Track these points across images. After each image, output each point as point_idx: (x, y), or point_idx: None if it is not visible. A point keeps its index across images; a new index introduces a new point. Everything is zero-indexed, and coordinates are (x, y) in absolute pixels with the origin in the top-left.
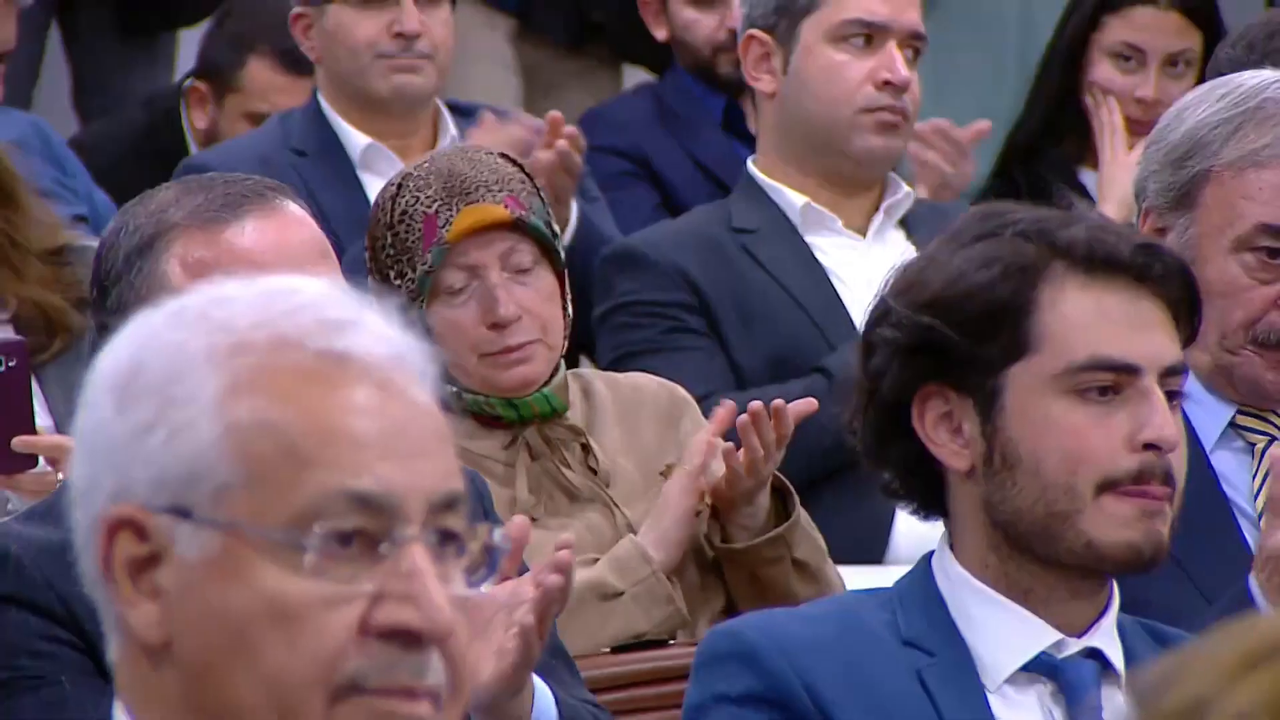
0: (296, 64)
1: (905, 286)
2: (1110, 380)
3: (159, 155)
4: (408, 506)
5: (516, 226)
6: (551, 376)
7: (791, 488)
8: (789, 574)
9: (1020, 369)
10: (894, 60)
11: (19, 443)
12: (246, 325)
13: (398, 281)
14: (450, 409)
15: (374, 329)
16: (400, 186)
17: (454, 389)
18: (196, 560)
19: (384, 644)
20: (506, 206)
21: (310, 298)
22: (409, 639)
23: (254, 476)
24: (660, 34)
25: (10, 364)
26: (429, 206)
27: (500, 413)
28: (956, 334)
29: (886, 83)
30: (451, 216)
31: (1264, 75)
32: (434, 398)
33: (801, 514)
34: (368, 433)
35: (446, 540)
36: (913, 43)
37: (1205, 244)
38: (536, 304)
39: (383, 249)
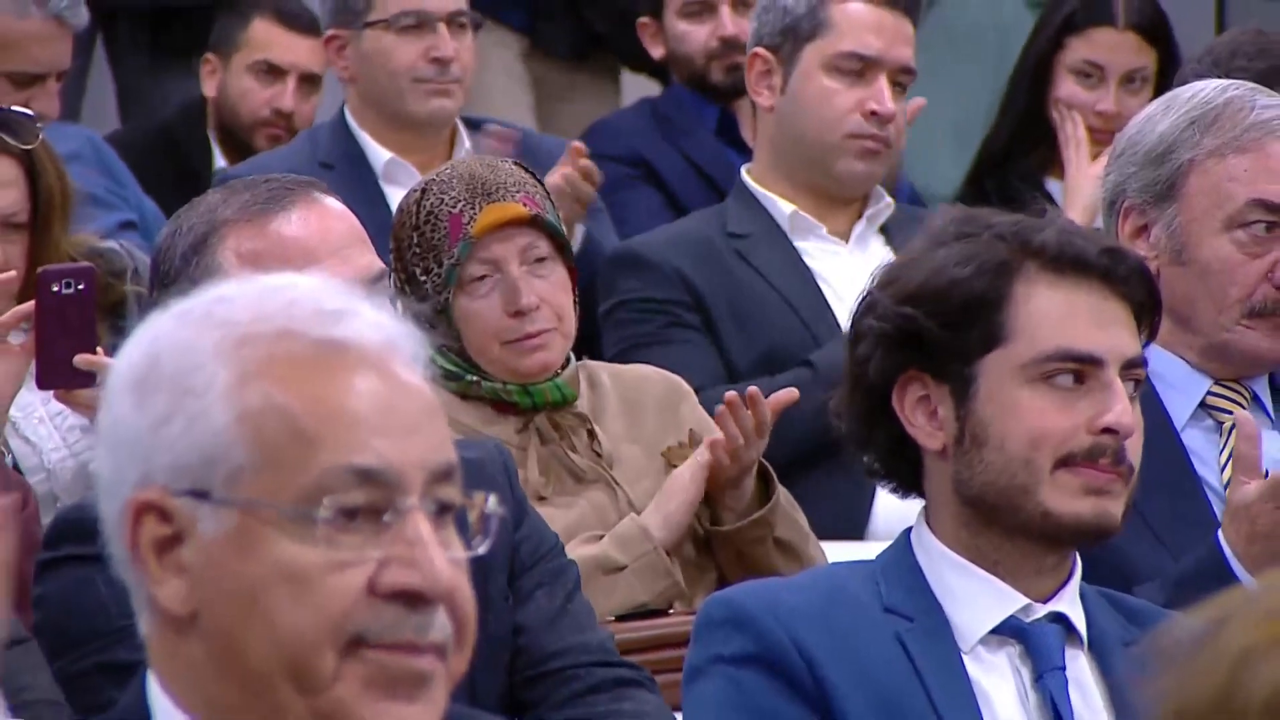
0: (295, 19)
1: (890, 280)
2: (1075, 369)
3: (178, 156)
4: (407, 478)
5: (534, 223)
6: (563, 367)
7: (773, 472)
8: (771, 552)
9: (993, 358)
10: (882, 93)
11: (80, 360)
12: (250, 319)
13: (424, 277)
14: (467, 396)
15: (368, 317)
16: (424, 191)
17: (474, 378)
18: (216, 537)
19: (390, 604)
20: (524, 205)
21: (306, 291)
22: (413, 599)
23: (265, 457)
24: (657, 53)
25: (79, 288)
26: (454, 206)
27: (516, 399)
28: (936, 324)
29: (873, 113)
30: (475, 214)
31: (1220, 81)
32: (424, 379)
33: (782, 496)
34: (367, 413)
35: (444, 510)
36: (902, 77)
37: (1194, 228)
38: (552, 295)
39: (409, 248)
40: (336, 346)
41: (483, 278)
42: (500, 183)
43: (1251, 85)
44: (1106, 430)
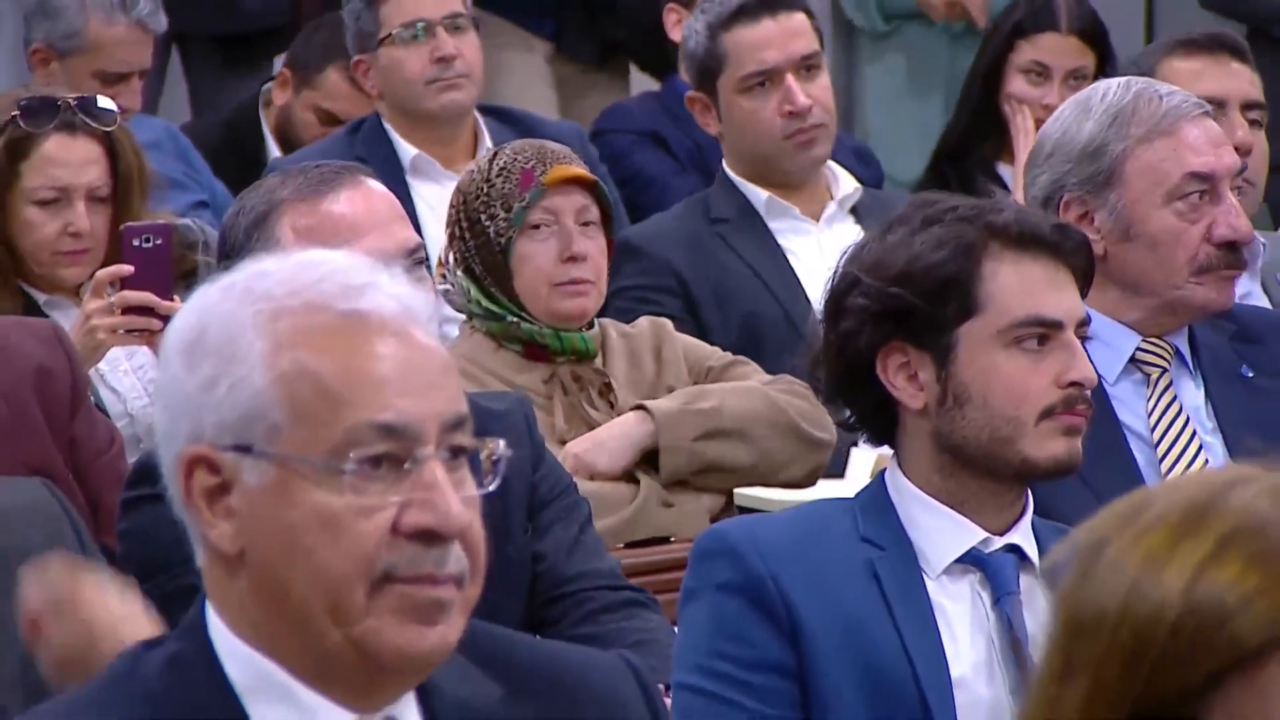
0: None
1: (872, 264)
2: (1040, 333)
3: (240, 145)
4: (424, 431)
5: (593, 187)
6: (589, 327)
7: None
8: None
9: (969, 327)
10: (791, 92)
11: (161, 308)
12: (283, 294)
13: (489, 222)
14: (501, 342)
15: (387, 289)
16: (498, 153)
17: (514, 319)
18: (258, 486)
19: (411, 542)
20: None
21: (333, 267)
22: (431, 537)
23: (298, 416)
24: (679, 36)
25: (157, 242)
26: (526, 163)
27: (548, 342)
28: (919, 301)
29: (790, 113)
30: (546, 170)
31: (1119, 79)
32: (437, 339)
33: None
34: (387, 374)
35: (457, 454)
36: (808, 63)
37: (1138, 208)
38: (595, 254)
39: (476, 197)
40: (360, 317)
41: (541, 225)
42: (566, 153)
43: (1146, 79)
44: (1073, 384)
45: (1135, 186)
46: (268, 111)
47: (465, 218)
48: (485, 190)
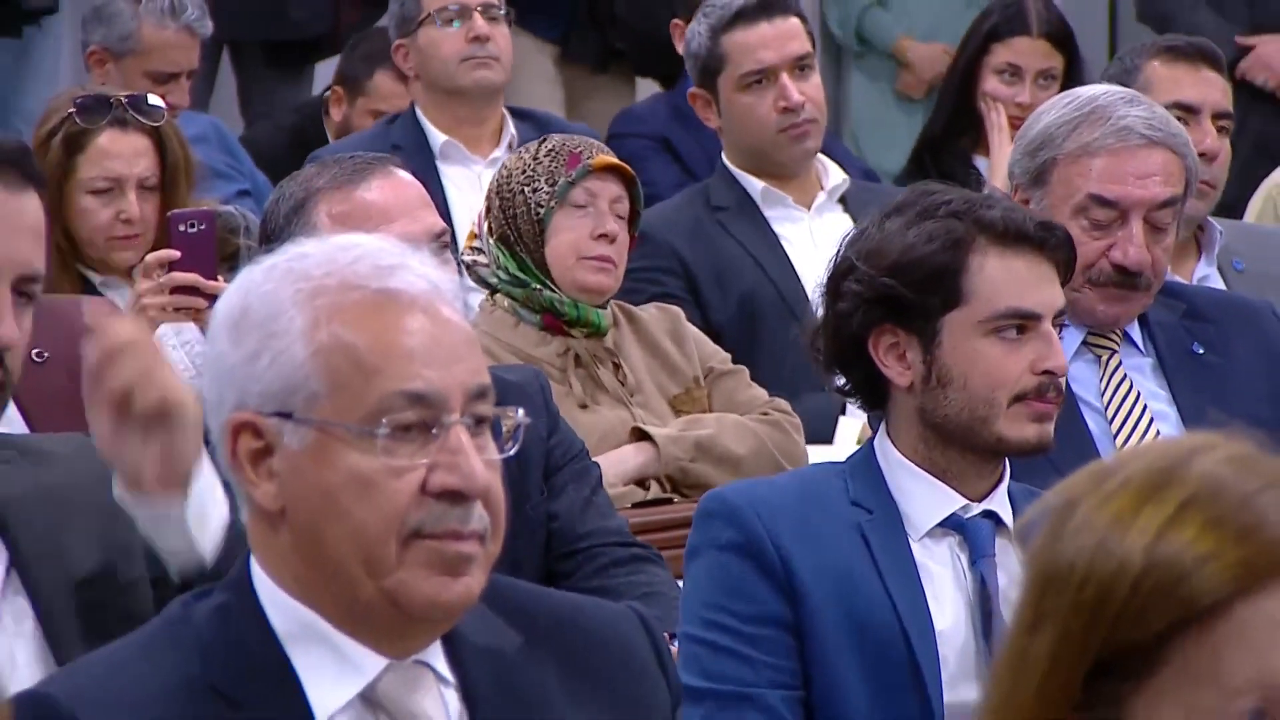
0: None
1: (868, 253)
2: (1020, 323)
3: (305, 146)
4: (450, 399)
5: (632, 183)
6: (603, 307)
7: None
8: None
9: (954, 315)
10: (786, 89)
11: (207, 286)
12: (321, 275)
13: (531, 195)
14: (521, 315)
15: (417, 269)
16: (548, 138)
17: (538, 286)
18: (298, 450)
19: (438, 501)
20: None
21: (366, 250)
22: (456, 497)
23: (335, 386)
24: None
25: (202, 227)
26: (575, 148)
27: (565, 310)
28: (909, 290)
29: (785, 109)
30: (593, 155)
31: (1101, 88)
32: (462, 317)
33: None
34: (417, 348)
35: (480, 421)
36: (801, 63)
37: (1054, 212)
38: (622, 240)
39: (522, 171)
40: (391, 295)
41: (581, 205)
42: (610, 151)
43: (1122, 95)
44: (1047, 372)
45: (1055, 192)
46: (328, 120)
47: (508, 189)
48: (532, 166)
